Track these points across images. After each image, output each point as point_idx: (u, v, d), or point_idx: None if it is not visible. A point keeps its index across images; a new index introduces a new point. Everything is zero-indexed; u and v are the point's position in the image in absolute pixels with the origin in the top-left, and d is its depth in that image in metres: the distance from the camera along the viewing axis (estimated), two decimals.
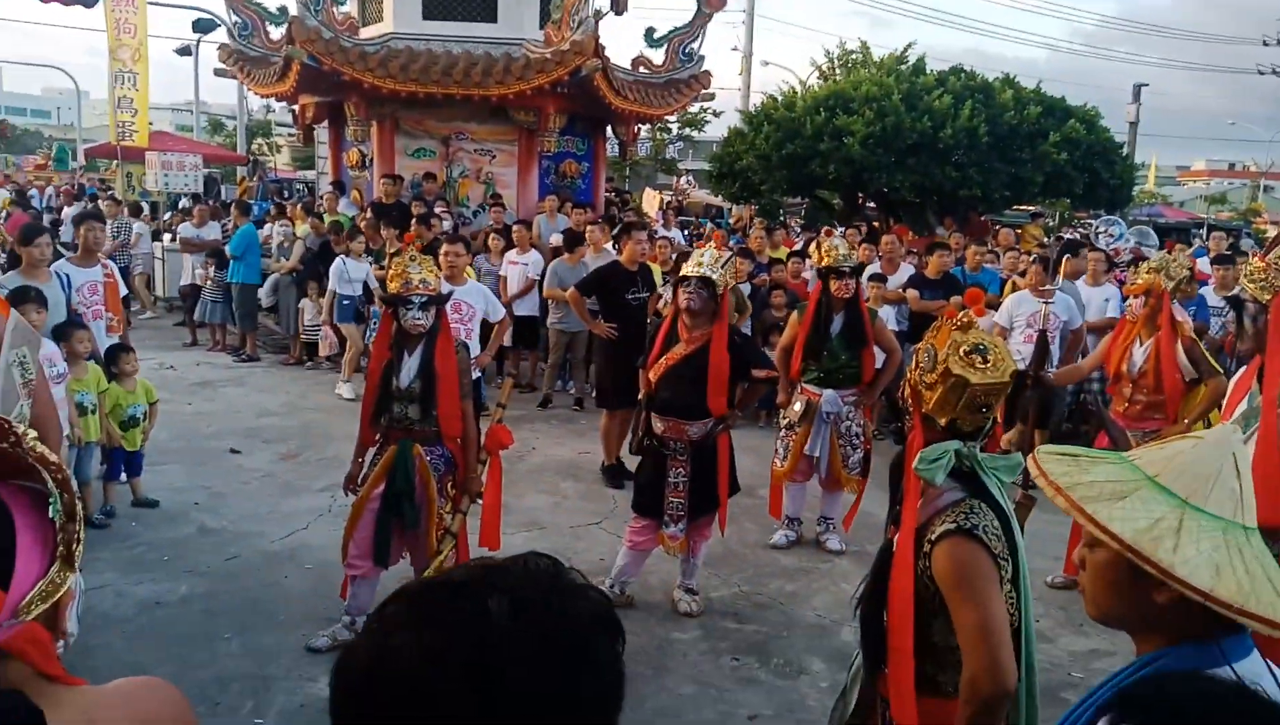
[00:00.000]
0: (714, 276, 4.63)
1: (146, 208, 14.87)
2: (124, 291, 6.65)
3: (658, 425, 4.83)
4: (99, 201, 15.99)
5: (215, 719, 3.76)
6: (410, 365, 4.26)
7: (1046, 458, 1.44)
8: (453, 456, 4.37)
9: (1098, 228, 11.94)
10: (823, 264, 5.74)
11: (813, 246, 6.42)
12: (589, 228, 9.07)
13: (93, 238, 6.20)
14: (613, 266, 7.26)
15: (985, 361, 2.16)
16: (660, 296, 5.11)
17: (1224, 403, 3.66)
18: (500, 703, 0.81)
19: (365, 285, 9.19)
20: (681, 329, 4.76)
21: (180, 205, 16.69)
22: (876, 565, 2.36)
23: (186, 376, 9.80)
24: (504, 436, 4.44)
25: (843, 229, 14.40)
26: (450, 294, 4.70)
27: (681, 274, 4.72)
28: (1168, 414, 5.16)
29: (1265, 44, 30.88)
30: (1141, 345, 5.21)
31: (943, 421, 2.20)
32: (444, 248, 6.35)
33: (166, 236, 13.71)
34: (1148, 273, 5.21)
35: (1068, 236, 15.20)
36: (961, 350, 2.17)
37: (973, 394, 2.16)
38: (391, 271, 4.35)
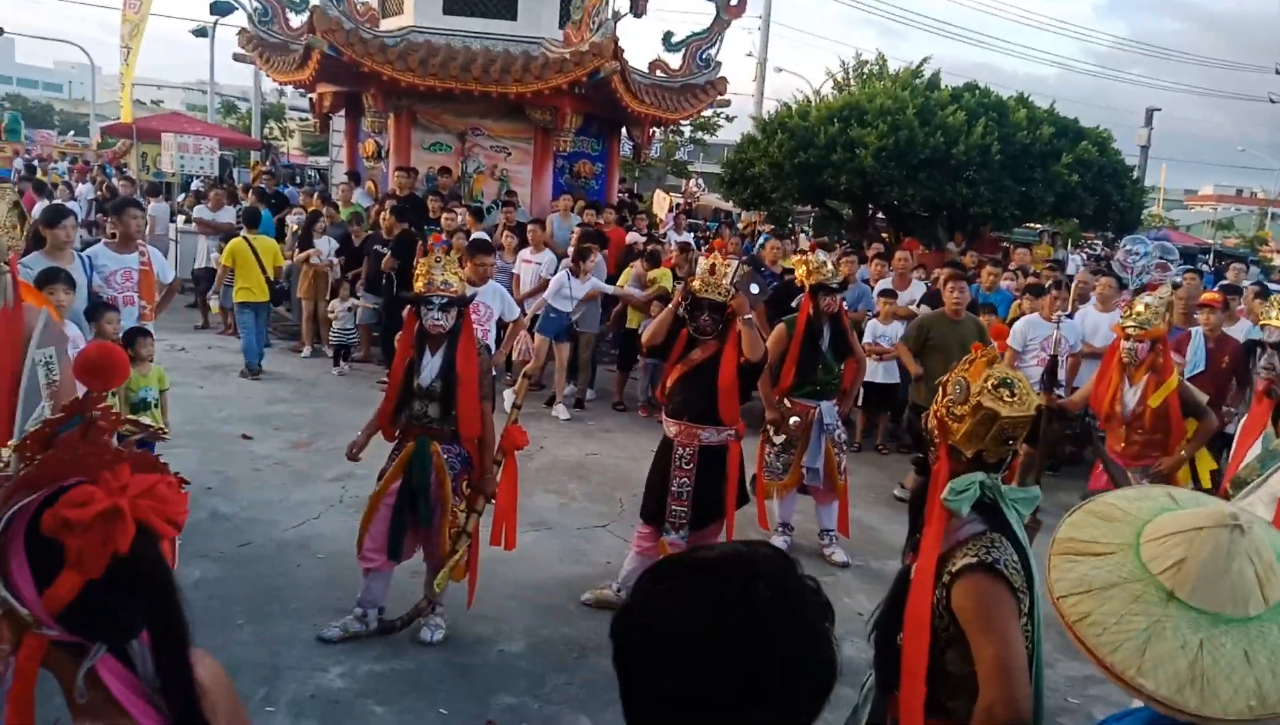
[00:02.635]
0: (722, 299, 4.76)
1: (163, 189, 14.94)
2: (172, 275, 6.67)
3: (670, 429, 4.93)
4: (116, 182, 16.05)
5: None
6: (432, 365, 4.34)
7: (1060, 581, 1.43)
8: (469, 456, 4.44)
9: (1125, 245, 11.88)
10: (810, 280, 5.86)
11: (796, 260, 6.49)
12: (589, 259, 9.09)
13: (136, 225, 6.22)
14: (789, 285, 7.60)
15: (1013, 395, 2.22)
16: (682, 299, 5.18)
17: (1234, 442, 3.68)
18: (765, 668, 1.01)
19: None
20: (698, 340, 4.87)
21: (193, 187, 16.77)
22: (894, 590, 2.41)
23: (198, 359, 9.89)
24: (519, 437, 4.51)
25: (835, 241, 14.45)
26: (473, 296, 4.77)
27: (695, 296, 4.82)
28: (1168, 450, 5.17)
29: (1278, 71, 30.95)
30: (1131, 387, 5.12)
31: (970, 453, 2.25)
32: (475, 257, 6.44)
33: (180, 218, 13.78)
34: (1148, 314, 5.07)
35: (1078, 256, 15.24)
36: (990, 383, 2.22)
37: (1002, 427, 2.21)
38: (416, 271, 4.43)
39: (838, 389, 5.95)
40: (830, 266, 5.95)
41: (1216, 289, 8.88)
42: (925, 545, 2.23)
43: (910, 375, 8.14)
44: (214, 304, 11.50)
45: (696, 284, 4.84)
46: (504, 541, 4.57)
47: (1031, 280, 9.16)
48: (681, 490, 4.85)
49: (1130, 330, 5.05)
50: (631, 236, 11.72)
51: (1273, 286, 12.35)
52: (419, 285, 4.34)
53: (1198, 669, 1.25)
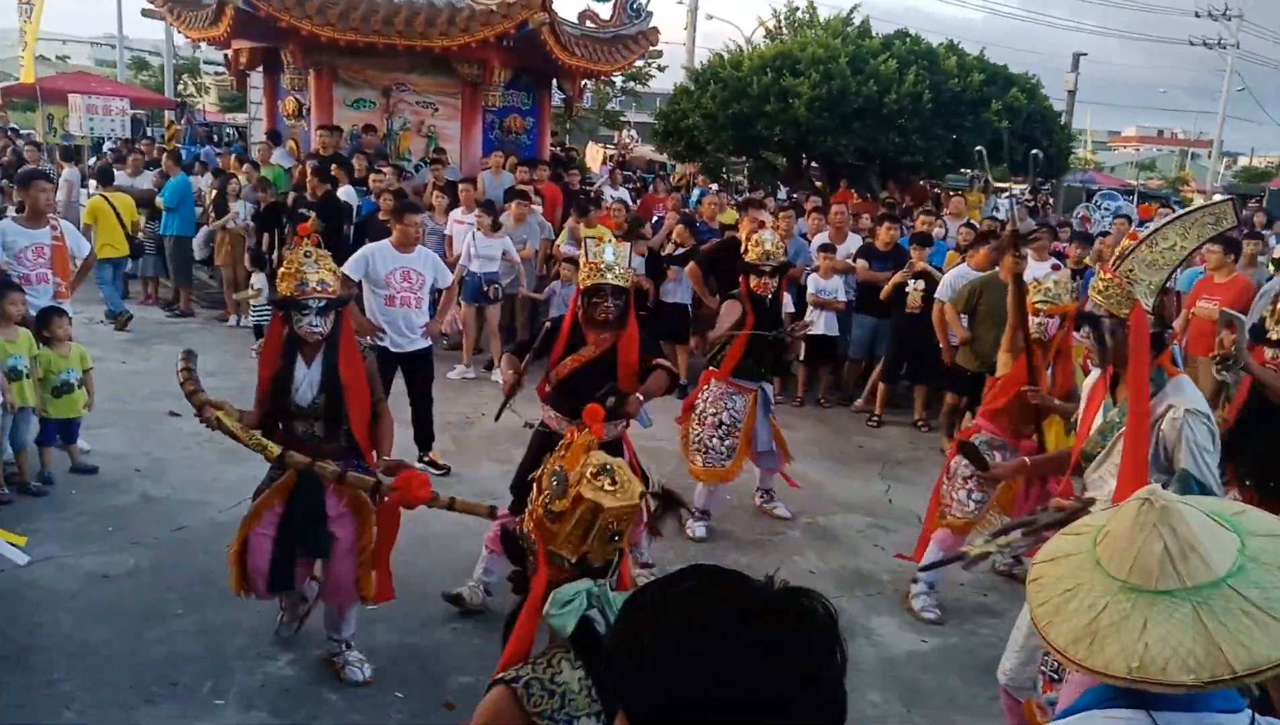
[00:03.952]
0: (625, 284, 4.27)
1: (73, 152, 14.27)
2: (87, 248, 6.37)
3: (556, 426, 4.36)
4: (17, 143, 15.27)
5: (174, 701, 3.70)
6: (311, 378, 3.75)
7: (1040, 554, 1.53)
8: (368, 467, 3.84)
9: (1096, 201, 12.02)
10: (747, 258, 5.54)
11: (742, 231, 6.30)
12: (515, 203, 9.06)
13: (44, 199, 5.89)
14: (733, 241, 7.25)
15: (614, 483, 1.89)
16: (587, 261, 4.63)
17: (1080, 410, 3.39)
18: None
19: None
20: (586, 330, 4.33)
21: (105, 150, 16.04)
22: None
23: (118, 332, 9.52)
24: (421, 490, 3.34)
25: (783, 197, 14.41)
26: (351, 296, 4.41)
27: (592, 283, 4.23)
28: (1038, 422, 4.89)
29: (1197, 15, 31.57)
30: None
31: (574, 558, 1.91)
32: (404, 219, 6.15)
33: (93, 183, 13.16)
34: (1058, 289, 4.99)
35: (1005, 201, 15.38)
36: (589, 472, 1.89)
37: (606, 522, 1.88)
38: (284, 270, 3.74)
39: (784, 371, 5.67)
40: (771, 246, 5.52)
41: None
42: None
43: (858, 328, 8.15)
44: None
45: (586, 272, 4.26)
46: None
47: (965, 231, 9.21)
48: None
49: (1039, 305, 4.90)
50: (618, 193, 12.13)
51: None
52: (288, 286, 3.65)
53: (1094, 627, 1.34)
